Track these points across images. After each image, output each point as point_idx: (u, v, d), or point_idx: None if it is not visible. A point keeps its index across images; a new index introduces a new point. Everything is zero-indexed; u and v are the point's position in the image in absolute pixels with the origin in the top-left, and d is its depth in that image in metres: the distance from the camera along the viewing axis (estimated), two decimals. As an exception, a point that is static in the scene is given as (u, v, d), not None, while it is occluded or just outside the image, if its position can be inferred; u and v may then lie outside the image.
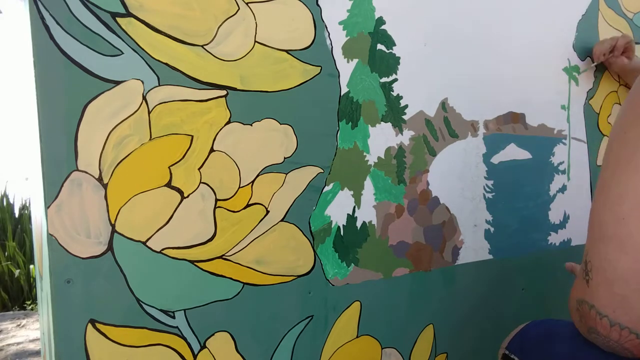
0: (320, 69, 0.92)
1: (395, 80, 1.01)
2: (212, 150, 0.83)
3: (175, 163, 0.80)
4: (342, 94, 0.95)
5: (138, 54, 0.77)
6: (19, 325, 2.63)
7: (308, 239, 0.92)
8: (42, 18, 0.71)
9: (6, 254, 3.20)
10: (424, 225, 1.05)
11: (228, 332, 0.86)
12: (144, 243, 0.78)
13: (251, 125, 0.86)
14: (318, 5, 0.92)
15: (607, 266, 0.51)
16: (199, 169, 0.82)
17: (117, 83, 0.76)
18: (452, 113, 1.08)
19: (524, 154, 1.19)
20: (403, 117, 1.02)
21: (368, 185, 0.98)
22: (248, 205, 0.86)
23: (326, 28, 0.93)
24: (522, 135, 1.18)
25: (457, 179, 1.10)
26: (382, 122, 0.99)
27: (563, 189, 1.26)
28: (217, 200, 0.84)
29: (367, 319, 0.99)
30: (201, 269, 0.83)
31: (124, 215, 0.77)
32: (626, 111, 0.53)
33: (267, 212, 0.88)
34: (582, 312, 0.55)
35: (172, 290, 0.80)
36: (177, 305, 0.81)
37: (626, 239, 0.49)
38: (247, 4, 0.85)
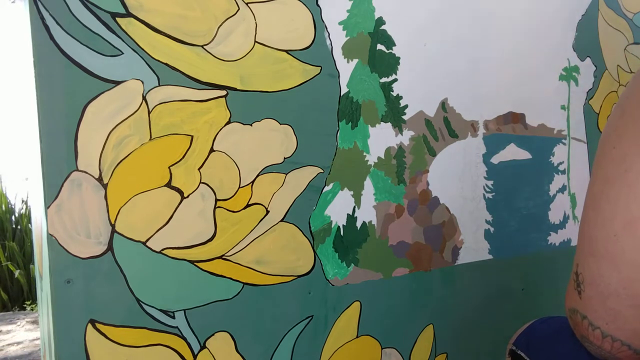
0: (320, 69, 0.92)
1: (395, 80, 1.01)
2: (212, 150, 0.83)
3: (175, 163, 0.80)
4: (342, 94, 0.95)
5: (138, 54, 0.77)
6: (18, 325, 2.63)
7: (308, 239, 0.92)
8: (42, 18, 0.71)
9: (6, 254, 3.20)
10: (424, 225, 1.05)
11: (228, 332, 0.86)
12: (144, 243, 0.78)
13: (251, 125, 0.86)
14: (318, 5, 0.92)
15: (599, 282, 0.51)
16: (199, 169, 0.82)
17: (117, 83, 0.76)
18: (452, 113, 1.08)
19: (524, 154, 1.19)
20: (403, 117, 1.02)
21: (368, 185, 0.98)
22: (248, 205, 0.86)
23: (326, 28, 0.93)
24: (522, 135, 1.18)
25: (457, 179, 1.10)
26: (382, 122, 0.99)
27: (563, 189, 1.26)
28: (217, 200, 0.84)
29: (367, 319, 0.99)
30: (201, 269, 0.83)
31: (124, 215, 0.77)
32: (614, 123, 0.52)
33: (267, 212, 0.88)
34: (575, 321, 0.55)
35: (172, 290, 0.80)
36: (177, 305, 0.81)
37: (618, 256, 0.49)
38: (247, 4, 0.85)
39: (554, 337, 0.73)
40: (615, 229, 0.49)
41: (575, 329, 0.57)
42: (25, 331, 2.53)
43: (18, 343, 2.35)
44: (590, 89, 1.30)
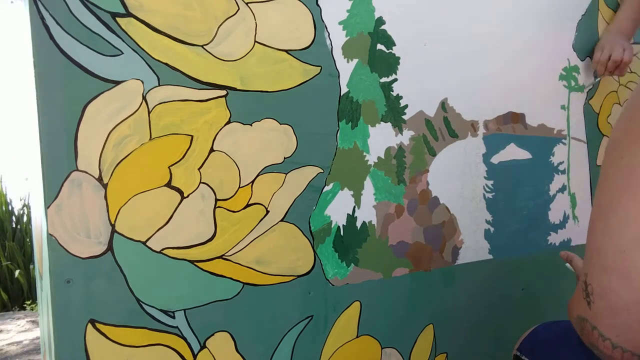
0: (320, 69, 0.92)
1: (395, 80, 1.01)
2: (212, 150, 0.83)
3: (175, 163, 0.80)
4: (342, 94, 0.95)
5: (138, 54, 0.77)
6: (19, 325, 2.63)
7: (308, 239, 0.92)
8: (42, 18, 0.71)
9: (6, 254, 3.20)
10: (424, 225, 1.05)
11: (228, 332, 0.86)
12: (144, 243, 0.78)
13: (251, 125, 0.86)
14: (318, 5, 0.92)
15: (610, 295, 0.50)
16: (199, 169, 0.82)
17: (117, 83, 0.76)
18: (452, 113, 1.08)
19: (524, 154, 1.19)
20: (403, 117, 1.02)
21: (368, 185, 0.98)
22: (248, 205, 0.86)
23: (326, 28, 0.93)
24: (522, 135, 1.18)
25: (457, 179, 1.10)
26: (382, 122, 0.99)
27: (563, 189, 1.26)
28: (217, 200, 0.84)
29: (367, 319, 0.99)
30: (201, 269, 0.83)
31: (124, 215, 0.77)
32: (622, 130, 0.51)
33: (267, 212, 0.88)
34: (584, 329, 0.55)
35: (172, 290, 0.80)
36: (177, 305, 0.81)
37: (629, 271, 0.48)
38: (247, 4, 0.85)
39: (557, 342, 0.73)
40: (624, 244, 0.48)
41: (583, 336, 0.56)
42: (25, 331, 2.53)
43: (18, 343, 2.35)
44: (590, 89, 1.30)
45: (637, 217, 0.47)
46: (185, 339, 0.82)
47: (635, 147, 0.49)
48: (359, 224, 0.98)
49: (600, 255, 0.51)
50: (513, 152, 1.17)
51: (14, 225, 3.52)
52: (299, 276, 0.92)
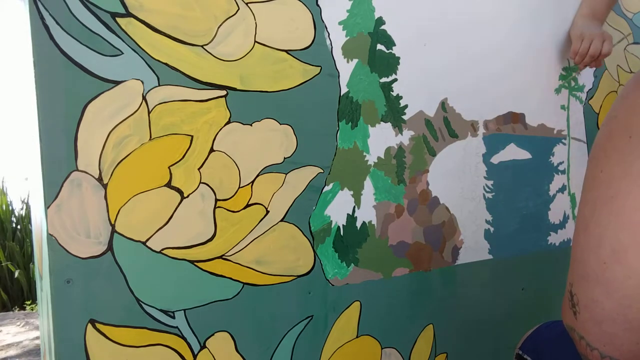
0: (320, 69, 0.92)
1: (395, 80, 1.01)
2: (212, 150, 0.83)
3: (175, 163, 0.80)
4: (342, 94, 0.95)
5: (138, 54, 0.77)
6: (19, 325, 2.63)
7: (308, 239, 0.92)
8: (42, 18, 0.71)
9: (6, 254, 3.20)
10: (424, 225, 1.05)
11: (228, 332, 0.86)
12: (144, 243, 0.78)
13: (251, 125, 0.86)
14: (318, 5, 0.92)
15: (594, 307, 0.51)
16: (198, 169, 0.82)
17: (117, 83, 0.76)
18: (452, 113, 1.08)
19: (523, 154, 1.19)
20: (403, 117, 1.02)
21: (368, 185, 0.98)
22: (248, 205, 0.86)
23: (326, 28, 0.93)
24: (522, 135, 1.18)
25: (457, 179, 1.10)
26: (382, 122, 0.99)
27: (563, 189, 1.26)
28: (217, 200, 0.84)
29: (367, 319, 0.99)
30: (201, 269, 0.83)
31: (123, 215, 0.77)
32: (602, 144, 0.52)
33: (267, 212, 0.88)
34: (573, 338, 0.56)
35: (172, 290, 0.80)
36: (177, 305, 0.81)
37: (610, 282, 0.49)
38: (247, 4, 0.85)
39: (560, 341, 0.73)
40: (604, 255, 0.49)
41: (575, 345, 0.57)
42: (25, 331, 2.53)
43: (18, 343, 2.35)
44: (590, 89, 1.30)
45: (616, 230, 0.48)
46: (185, 339, 0.82)
47: (613, 161, 0.49)
48: (359, 224, 0.98)
49: (584, 266, 0.52)
50: (513, 152, 1.17)
51: (14, 225, 3.52)
52: (299, 276, 0.92)
